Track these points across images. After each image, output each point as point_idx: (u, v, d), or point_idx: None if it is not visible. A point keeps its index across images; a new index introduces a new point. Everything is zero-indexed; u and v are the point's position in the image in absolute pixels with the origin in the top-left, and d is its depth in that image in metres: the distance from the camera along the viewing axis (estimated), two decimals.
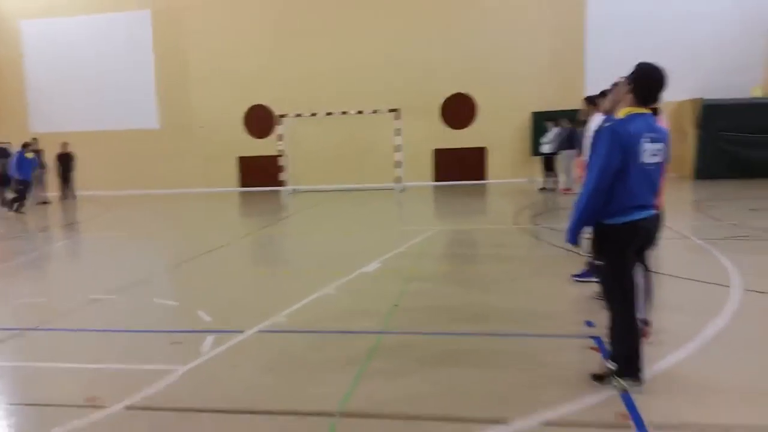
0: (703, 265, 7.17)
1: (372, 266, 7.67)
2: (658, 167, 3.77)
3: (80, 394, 4.03)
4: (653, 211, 3.80)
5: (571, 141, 14.88)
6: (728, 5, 17.66)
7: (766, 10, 17.63)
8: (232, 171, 20.64)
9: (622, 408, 3.50)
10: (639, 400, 3.58)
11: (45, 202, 17.61)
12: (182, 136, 20.68)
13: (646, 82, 3.72)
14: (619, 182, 3.62)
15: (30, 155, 15.63)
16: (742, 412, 3.48)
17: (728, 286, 6.04)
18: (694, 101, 17.18)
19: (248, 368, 4.43)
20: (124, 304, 6.46)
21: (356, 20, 19.44)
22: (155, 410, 3.78)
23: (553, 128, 16.11)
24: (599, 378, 3.84)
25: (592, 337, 4.73)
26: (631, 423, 3.33)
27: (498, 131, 19.15)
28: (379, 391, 3.92)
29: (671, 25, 17.74)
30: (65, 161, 18.48)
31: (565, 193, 14.99)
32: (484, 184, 19.01)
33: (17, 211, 14.95)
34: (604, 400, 3.63)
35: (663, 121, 5.32)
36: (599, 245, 3.80)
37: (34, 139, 16.82)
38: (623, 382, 3.73)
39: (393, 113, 17.86)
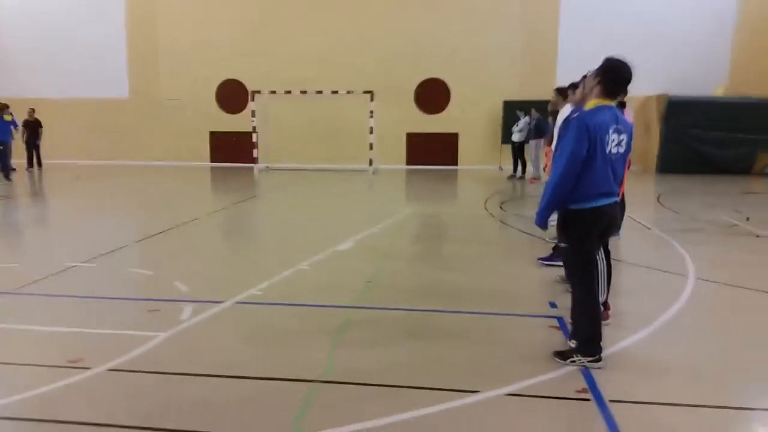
0: (661, 254, 7.53)
1: (346, 245, 7.84)
2: (622, 157, 4.03)
3: (62, 356, 4.12)
4: (616, 199, 4.06)
5: (539, 130, 15.22)
6: (696, 6, 18.14)
7: (732, 13, 18.18)
8: (204, 145, 20.48)
9: (583, 383, 3.76)
10: (598, 377, 3.84)
11: (11, 169, 17.22)
12: (152, 107, 20.40)
13: (613, 76, 3.97)
14: (586, 170, 3.85)
15: (8, 117, 15.30)
16: (692, 390, 3.76)
17: (683, 275, 6.39)
18: (659, 97, 17.67)
19: (227, 337, 4.59)
20: (99, 272, 6.52)
21: (333, 1, 19.37)
22: (138, 372, 3.91)
23: (523, 117, 16.42)
24: (561, 355, 4.10)
25: (554, 317, 5.00)
26: (591, 397, 3.59)
27: (470, 118, 19.38)
28: (355, 361, 4.12)
29: (641, 21, 18.13)
30: (32, 128, 18.05)
31: (531, 182, 15.33)
32: (455, 170, 19.27)
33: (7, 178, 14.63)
34: (566, 375, 3.89)
35: (629, 115, 5.60)
36: (565, 229, 4.04)
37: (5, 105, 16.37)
38: (584, 360, 3.99)
39: (367, 95, 17.94)
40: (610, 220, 4.05)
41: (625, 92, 4.27)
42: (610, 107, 3.98)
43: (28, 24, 20.46)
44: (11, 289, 5.75)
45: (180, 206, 11.86)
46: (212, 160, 20.50)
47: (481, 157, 19.47)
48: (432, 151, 19.68)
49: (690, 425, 3.35)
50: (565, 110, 6.60)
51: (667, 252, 7.57)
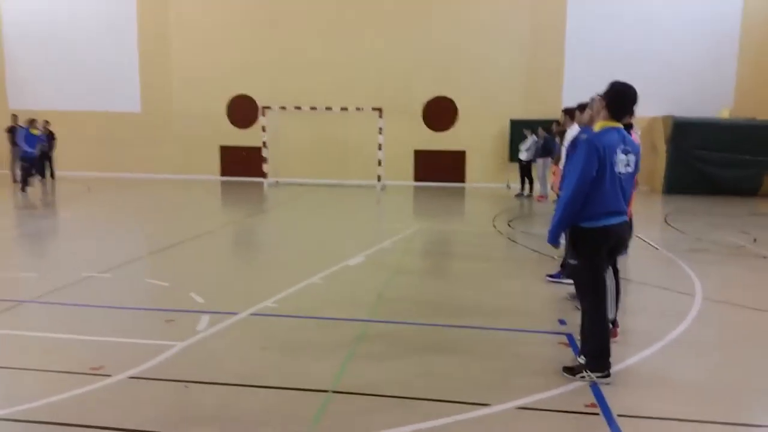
0: (668, 274, 7.61)
1: (356, 260, 7.95)
2: (630, 177, 4.17)
3: (84, 363, 4.25)
4: (625, 218, 4.18)
5: (547, 149, 15.36)
6: (702, 30, 18.35)
7: (736, 38, 18.40)
8: (214, 159, 20.70)
9: (592, 398, 3.85)
10: (606, 392, 3.93)
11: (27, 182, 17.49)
12: (164, 121, 20.66)
13: (619, 99, 4.12)
14: (595, 190, 3.99)
15: (36, 131, 15.65)
16: (698, 406, 3.84)
17: (690, 294, 6.47)
18: (665, 118, 17.80)
19: (244, 347, 4.70)
20: (115, 282, 6.65)
21: (344, 19, 19.63)
22: (158, 380, 4.02)
23: (531, 136, 16.56)
24: (570, 370, 4.20)
25: (564, 334, 5.09)
26: (599, 411, 3.68)
27: (477, 136, 19.56)
28: (368, 373, 4.22)
29: (647, 45, 18.38)
30: (46, 140, 18.33)
31: (539, 200, 15.44)
32: (462, 187, 19.40)
33: (23, 190, 14.88)
34: (575, 390, 3.99)
35: (636, 136, 5.74)
36: (575, 246, 4.16)
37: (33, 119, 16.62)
38: (592, 375, 4.09)
39: (376, 112, 18.14)
40: (619, 239, 4.17)
41: (632, 114, 4.41)
42: (617, 129, 4.12)
43: (43, 39, 20.80)
44: (31, 298, 5.89)
45: (192, 219, 12.01)
46: (222, 174, 20.71)
47: (488, 174, 19.62)
48: (439, 168, 19.84)
49: None
50: (573, 130, 6.76)
51: (674, 272, 7.65)
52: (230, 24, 20.03)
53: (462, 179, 19.89)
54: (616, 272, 4.90)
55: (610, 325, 4.48)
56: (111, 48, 20.60)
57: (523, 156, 16.63)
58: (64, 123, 19.88)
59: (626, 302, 5.65)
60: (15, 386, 3.98)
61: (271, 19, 19.82)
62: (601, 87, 4.23)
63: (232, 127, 20.44)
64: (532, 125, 16.82)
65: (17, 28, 20.98)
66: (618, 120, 4.13)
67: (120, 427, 3.38)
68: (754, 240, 9.83)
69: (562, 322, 5.44)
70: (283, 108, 18.78)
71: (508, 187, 18.70)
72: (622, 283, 5.13)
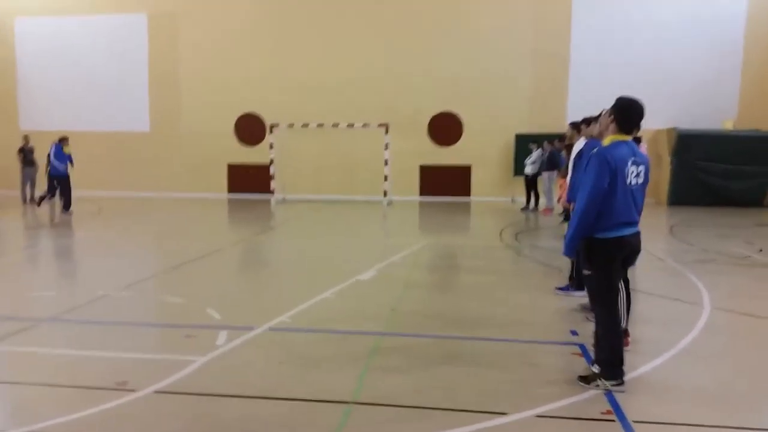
0: (676, 284, 7.70)
1: (367, 274, 8.06)
2: (641, 187, 4.30)
3: (109, 379, 4.35)
4: (637, 228, 4.29)
5: (552, 163, 15.50)
6: (706, 43, 18.53)
7: (739, 48, 18.57)
8: (222, 177, 20.89)
9: (607, 405, 3.94)
10: (621, 399, 4.02)
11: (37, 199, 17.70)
12: (173, 140, 20.89)
13: (627, 113, 4.27)
14: (608, 201, 4.12)
15: (68, 150, 15.80)
16: (710, 411, 3.93)
17: (698, 304, 6.56)
18: (669, 130, 17.94)
19: (263, 361, 4.81)
20: (132, 299, 6.77)
21: (350, 36, 19.90)
22: (182, 394, 4.12)
23: (536, 150, 16.70)
24: (585, 379, 4.29)
25: (577, 344, 5.18)
26: (615, 418, 3.77)
27: (482, 151, 19.70)
28: (386, 384, 4.32)
29: (651, 59, 18.56)
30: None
31: (546, 213, 15.54)
32: (468, 201, 19.53)
33: (38, 204, 15.10)
34: (590, 398, 4.07)
35: (644, 148, 5.86)
36: (589, 257, 4.27)
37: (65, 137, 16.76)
38: (607, 383, 4.18)
39: (382, 128, 18.33)
40: (632, 249, 4.28)
41: (638, 128, 4.54)
42: (626, 142, 4.25)
43: (54, 61, 21.15)
44: (51, 316, 6.01)
45: (203, 237, 12.15)
46: (230, 191, 20.88)
47: (493, 189, 19.73)
48: (445, 183, 19.98)
49: None
50: (579, 143, 6.88)
51: (682, 282, 7.74)
52: (237, 44, 20.31)
53: (467, 193, 20.01)
54: (626, 282, 5.00)
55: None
56: (121, 69, 20.91)
57: (529, 170, 16.74)
58: (75, 143, 19.96)
59: (635, 312, 5.73)
60: (44, 402, 4.08)
61: (277, 38, 20.09)
62: (606, 101, 4.37)
63: (239, 145, 20.65)
64: (537, 139, 16.97)
65: (30, 50, 21.33)
66: (626, 134, 4.26)
67: None
68: (760, 250, 9.91)
69: (573, 332, 5.53)
70: (291, 125, 18.99)
71: (513, 201, 18.82)
72: (631, 293, 5.22)
